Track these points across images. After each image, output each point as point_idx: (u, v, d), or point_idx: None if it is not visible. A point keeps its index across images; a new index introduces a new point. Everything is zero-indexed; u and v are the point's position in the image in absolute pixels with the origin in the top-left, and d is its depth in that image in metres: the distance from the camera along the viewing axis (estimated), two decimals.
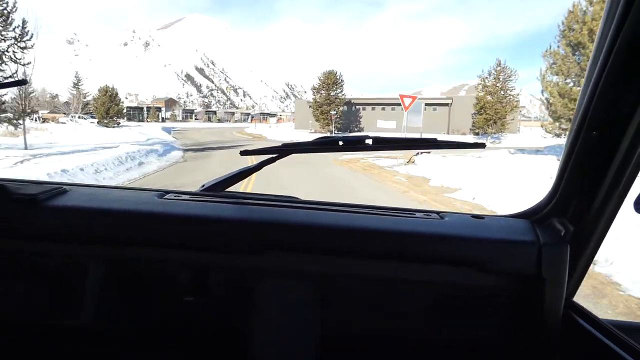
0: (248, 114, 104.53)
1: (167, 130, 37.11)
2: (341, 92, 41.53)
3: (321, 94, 41.21)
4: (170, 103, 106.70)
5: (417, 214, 0.98)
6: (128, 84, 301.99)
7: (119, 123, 48.19)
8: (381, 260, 0.90)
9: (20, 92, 12.46)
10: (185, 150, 16.95)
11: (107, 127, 39.39)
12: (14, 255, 0.91)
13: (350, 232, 0.89)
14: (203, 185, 1.08)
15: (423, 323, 0.95)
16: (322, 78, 41.65)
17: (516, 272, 0.88)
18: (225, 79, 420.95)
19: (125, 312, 0.94)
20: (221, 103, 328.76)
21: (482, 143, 0.93)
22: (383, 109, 43.32)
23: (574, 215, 0.86)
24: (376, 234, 0.89)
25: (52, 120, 35.40)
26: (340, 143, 0.95)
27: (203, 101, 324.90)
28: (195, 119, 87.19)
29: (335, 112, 37.79)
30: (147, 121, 73.40)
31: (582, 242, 0.85)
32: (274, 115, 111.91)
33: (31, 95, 17.56)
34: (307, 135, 33.09)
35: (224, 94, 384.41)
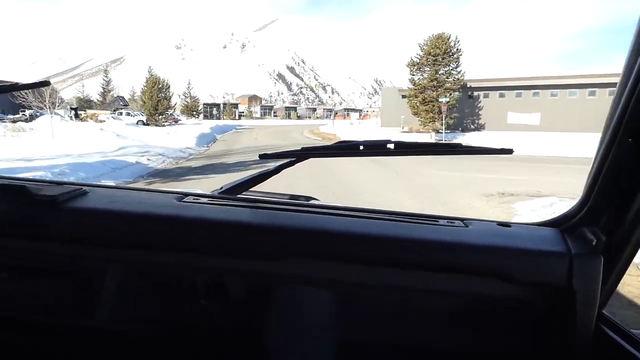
0: (331, 110, 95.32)
1: (218, 130, 30.00)
2: (457, 67, 26.20)
3: (423, 72, 26.37)
4: (253, 99, 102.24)
5: (441, 221, 0.94)
6: (225, 84, 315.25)
7: (177, 120, 41.59)
8: (403, 269, 0.86)
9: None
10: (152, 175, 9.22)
11: (156, 125, 32.01)
12: (33, 256, 0.90)
13: (371, 239, 0.86)
14: (221, 188, 1.06)
15: (446, 334, 0.92)
16: (426, 47, 26.25)
17: (545, 284, 0.84)
18: (314, 77, 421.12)
19: (143, 314, 0.93)
20: (310, 100, 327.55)
21: (510, 149, 0.90)
22: (519, 94, 28.01)
23: (606, 225, 0.81)
24: (398, 242, 0.85)
25: (91, 118, 28.38)
26: (361, 148, 0.91)
27: (292, 99, 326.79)
28: (274, 116, 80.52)
29: (447, 100, 23.34)
30: (223, 118, 67.89)
31: (614, 253, 0.81)
32: (357, 110, 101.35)
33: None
34: (396, 136, 22.18)
35: (313, 91, 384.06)
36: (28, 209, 0.87)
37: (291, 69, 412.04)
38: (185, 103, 64.54)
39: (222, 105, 70.02)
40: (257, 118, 74.61)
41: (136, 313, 0.93)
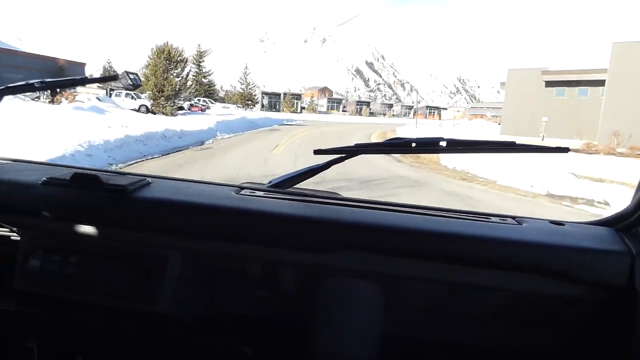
0: (410, 107, 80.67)
1: (238, 126, 20.38)
2: None
3: None
4: (324, 92, 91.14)
5: (493, 218, 0.94)
6: (304, 78, 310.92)
7: (204, 108, 31.27)
8: (455, 264, 0.85)
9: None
10: None
11: (163, 113, 21.56)
12: (104, 241, 0.95)
13: (422, 234, 0.86)
14: (270, 182, 1.10)
15: (495, 332, 0.91)
16: None
17: (605, 283, 0.81)
18: (393, 73, 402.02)
19: (200, 300, 0.98)
20: (387, 98, 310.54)
21: (566, 148, 0.87)
22: None
23: None
24: (450, 237, 0.85)
25: (67, 98, 18.49)
26: (413, 145, 0.91)
27: (370, 95, 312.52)
28: (343, 111, 68.40)
29: None
30: (282, 110, 57.51)
31: None
32: (444, 109, 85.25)
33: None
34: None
35: (391, 88, 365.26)
36: (100, 197, 0.91)
37: (370, 65, 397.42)
38: (241, 90, 55.28)
39: (282, 95, 59.41)
40: (322, 112, 63.23)
41: (194, 299, 0.96)
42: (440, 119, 76.28)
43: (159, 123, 13.97)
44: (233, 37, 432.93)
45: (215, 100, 50.53)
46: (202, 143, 13.12)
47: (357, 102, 74.56)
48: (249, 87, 55.83)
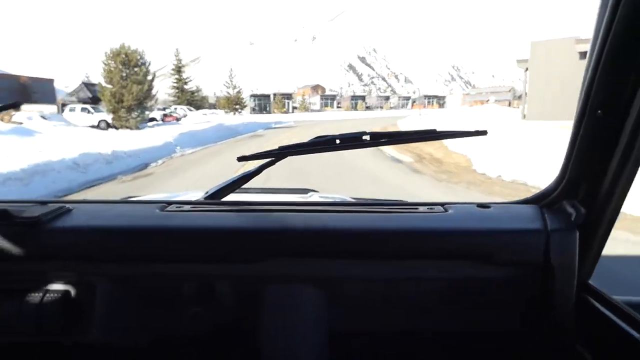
0: (407, 98, 77.06)
1: (208, 137, 17.54)
2: None
3: None
4: (317, 89, 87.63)
5: (420, 208, 0.96)
6: (296, 77, 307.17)
7: (179, 118, 27.84)
8: (386, 260, 0.88)
9: None
10: None
11: (127, 127, 18.25)
12: (19, 277, 0.91)
13: (352, 233, 0.88)
14: (207, 192, 1.09)
15: (431, 317, 0.93)
16: None
17: (525, 262, 0.85)
18: (386, 66, 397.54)
19: (133, 326, 0.94)
20: (381, 90, 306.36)
21: (484, 130, 0.91)
22: None
23: (584, 197, 0.82)
24: (379, 233, 0.87)
25: (2, 119, 15.05)
26: (338, 142, 0.93)
27: (364, 89, 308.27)
28: (337, 107, 64.90)
29: None
30: (273, 112, 54.13)
31: (594, 223, 0.82)
32: (442, 97, 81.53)
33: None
34: None
35: (385, 80, 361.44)
36: (11, 231, 0.87)
37: (362, 59, 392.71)
38: (227, 95, 51.87)
39: (271, 96, 55.94)
40: (315, 111, 59.74)
41: (127, 325, 0.93)
42: (439, 107, 72.78)
43: (97, 142, 10.48)
44: (223, 42, 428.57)
45: (202, 107, 47.10)
46: (146, 166, 9.68)
47: (352, 97, 70.91)
48: (235, 90, 52.44)
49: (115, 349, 0.94)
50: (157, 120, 25.32)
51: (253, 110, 55.23)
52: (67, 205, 0.96)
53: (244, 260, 0.88)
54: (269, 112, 53.03)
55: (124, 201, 1.07)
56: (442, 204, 0.97)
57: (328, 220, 0.91)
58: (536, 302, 0.87)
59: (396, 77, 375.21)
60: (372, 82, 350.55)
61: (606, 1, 0.65)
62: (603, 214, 0.80)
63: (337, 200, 0.91)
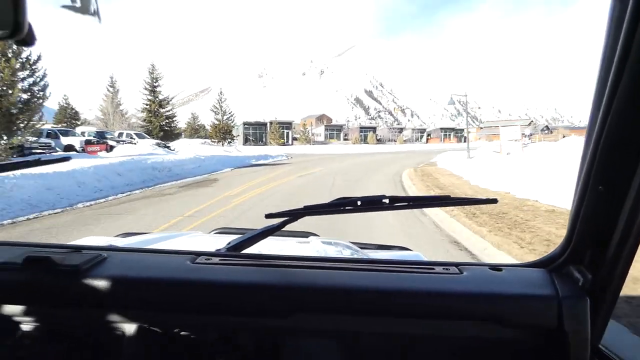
0: (422, 131, 68.59)
1: (195, 171, 11.72)
2: None
3: None
4: (323, 119, 79.77)
5: (436, 268, 0.98)
6: (303, 110, 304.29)
7: (112, 146, 19.10)
8: (404, 318, 0.90)
9: None
10: None
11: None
12: (58, 322, 0.93)
13: (372, 292, 0.89)
14: (229, 243, 1.13)
15: None
16: None
17: (538, 326, 0.86)
18: (393, 100, 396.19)
19: None
20: (388, 124, 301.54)
21: (494, 199, 0.95)
22: None
23: (590, 263, 0.84)
24: (398, 293, 0.89)
25: None
26: (359, 203, 0.96)
27: (370, 123, 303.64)
28: (344, 139, 56.30)
29: None
30: (270, 143, 45.69)
31: (602, 289, 0.83)
32: (460, 130, 73.04)
33: None
34: None
35: (392, 115, 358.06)
36: (53, 278, 0.90)
37: (369, 93, 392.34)
38: (216, 122, 43.66)
39: (268, 124, 47.30)
40: (318, 142, 51.13)
41: None
42: (457, 141, 64.29)
43: None
44: (232, 74, 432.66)
45: (175, 137, 38.43)
46: None
47: (361, 127, 61.43)
48: (225, 117, 44.18)
49: None
50: (76, 151, 16.53)
51: (247, 140, 46.85)
52: (103, 253, 1.00)
53: (270, 314, 0.90)
54: (265, 143, 44.76)
55: (156, 251, 1.11)
56: (456, 265, 0.99)
57: (347, 278, 0.93)
58: None
59: (403, 111, 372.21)
60: (379, 116, 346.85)
61: (606, 78, 0.65)
62: (611, 279, 0.81)
63: (348, 253, 1.00)
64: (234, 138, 45.67)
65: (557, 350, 0.84)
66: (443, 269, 0.97)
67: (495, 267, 0.96)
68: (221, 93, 43.96)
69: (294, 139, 47.95)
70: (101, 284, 0.91)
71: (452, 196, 0.93)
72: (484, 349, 0.90)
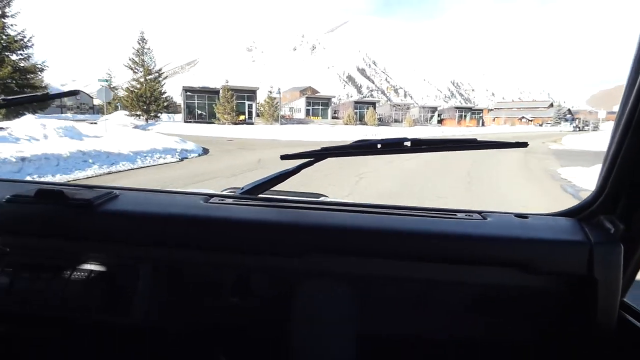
0: (433, 110, 52.99)
1: None
2: None
3: None
4: (309, 92, 63.56)
5: (459, 214, 0.93)
6: (294, 86, 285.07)
7: None
8: (423, 262, 0.86)
9: None
10: None
11: None
12: (70, 255, 0.92)
13: (390, 234, 0.86)
14: (242, 188, 1.08)
15: (466, 324, 0.91)
16: None
17: (566, 273, 0.82)
18: (386, 79, 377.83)
19: (173, 310, 0.95)
20: (380, 105, 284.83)
21: (525, 142, 0.89)
22: None
23: (623, 213, 0.80)
24: (417, 235, 0.85)
25: None
26: (379, 146, 0.91)
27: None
28: (333, 117, 40.49)
29: None
30: (219, 120, 29.93)
31: (633, 241, 0.79)
32: (479, 110, 57.66)
33: None
34: None
35: (384, 94, 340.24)
36: (66, 212, 0.89)
37: (362, 71, 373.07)
38: (136, 85, 27.61)
39: (221, 92, 30.91)
40: (295, 122, 35.27)
41: (165, 310, 0.94)
42: (477, 124, 49.27)
43: None
44: (219, 46, 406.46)
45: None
46: None
47: (356, 102, 44.63)
48: (149, 75, 27.96)
49: (152, 332, 0.94)
50: None
51: (191, 115, 31.06)
52: (115, 191, 0.98)
53: (283, 253, 0.87)
54: (211, 121, 28.84)
55: (168, 191, 1.06)
56: (479, 212, 0.94)
57: (365, 220, 0.89)
58: (576, 315, 0.84)
59: (396, 90, 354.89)
60: (371, 95, 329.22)
61: None
62: None
63: (372, 203, 0.96)
64: (166, 109, 29.71)
65: (584, 299, 0.81)
66: (466, 215, 0.92)
67: (521, 215, 0.92)
68: (143, 40, 27.57)
69: (258, 114, 31.87)
70: (113, 218, 0.89)
71: (478, 139, 0.87)
72: (506, 297, 0.86)
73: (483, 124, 54.85)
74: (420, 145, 0.88)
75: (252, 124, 30.29)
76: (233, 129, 23.28)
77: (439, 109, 54.73)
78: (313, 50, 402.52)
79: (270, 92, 32.86)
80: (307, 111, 40.20)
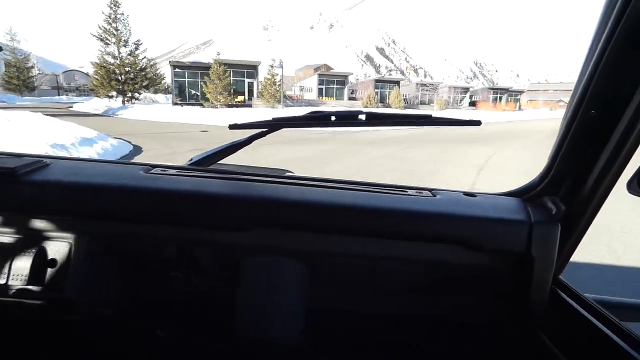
0: (465, 90, 46.16)
1: None
2: None
3: None
4: (324, 69, 57.37)
5: (410, 191, 0.93)
6: (307, 64, 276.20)
7: None
8: (371, 238, 0.86)
9: None
10: None
11: None
12: None
13: (340, 209, 0.84)
14: (191, 159, 1.03)
15: (411, 299, 0.92)
16: None
17: (506, 251, 0.84)
18: (405, 59, 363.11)
19: (109, 285, 0.89)
20: (404, 84, 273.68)
21: (478, 120, 0.90)
22: None
23: (565, 195, 0.82)
24: (366, 211, 0.84)
25: None
26: (333, 118, 0.88)
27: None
28: (351, 98, 34.60)
29: None
30: (207, 102, 24.57)
31: (572, 221, 0.82)
32: (515, 92, 50.54)
33: None
34: None
35: (403, 74, 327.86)
36: None
37: (381, 50, 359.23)
38: (110, 60, 22.41)
39: (215, 67, 25.31)
40: (306, 102, 29.65)
41: (103, 284, 0.88)
42: (514, 107, 42.52)
43: None
44: (235, 25, 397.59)
45: None
46: None
47: (377, 81, 38.49)
48: (125, 48, 22.75)
49: (88, 309, 0.88)
50: None
51: (181, 95, 25.91)
52: (45, 160, 0.90)
53: (228, 227, 0.83)
54: (201, 104, 24.60)
55: (106, 161, 0.99)
56: (429, 189, 0.94)
57: (314, 194, 0.86)
58: (512, 291, 0.86)
59: (415, 71, 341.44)
60: (390, 75, 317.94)
61: (612, 6, 0.62)
62: (583, 212, 0.79)
63: (326, 178, 0.93)
64: (146, 90, 24.51)
65: (522, 275, 0.83)
66: (416, 192, 0.92)
67: (470, 194, 0.93)
68: (116, 3, 22.04)
69: (258, 95, 26.28)
70: (42, 188, 0.82)
71: (433, 115, 0.86)
72: (451, 273, 0.87)
73: (520, 108, 47.71)
74: (374, 119, 0.86)
75: (250, 106, 24.71)
76: (222, 114, 17.96)
77: (470, 89, 47.65)
78: (331, 29, 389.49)
79: (272, 66, 26.82)
80: (320, 90, 34.08)
